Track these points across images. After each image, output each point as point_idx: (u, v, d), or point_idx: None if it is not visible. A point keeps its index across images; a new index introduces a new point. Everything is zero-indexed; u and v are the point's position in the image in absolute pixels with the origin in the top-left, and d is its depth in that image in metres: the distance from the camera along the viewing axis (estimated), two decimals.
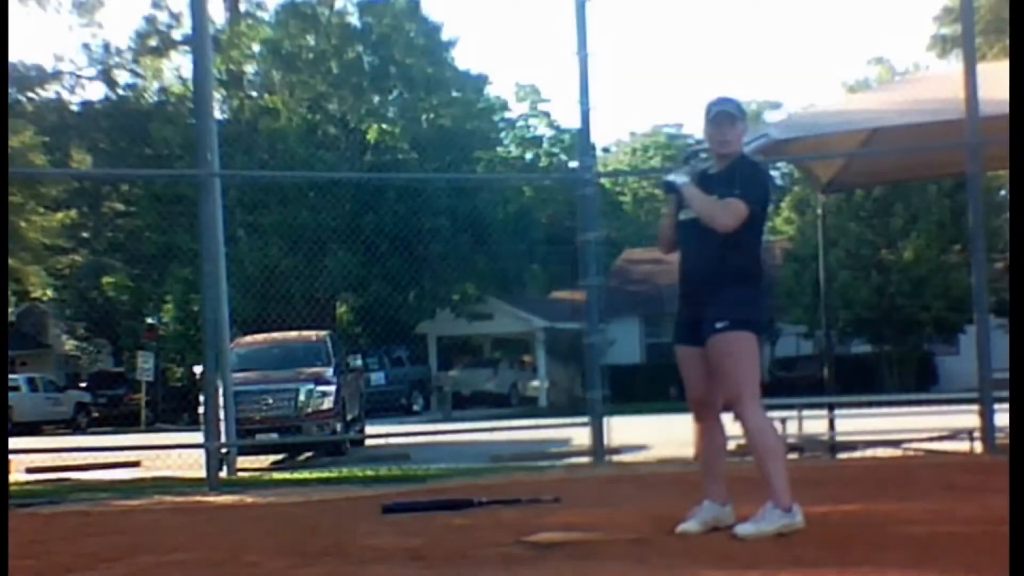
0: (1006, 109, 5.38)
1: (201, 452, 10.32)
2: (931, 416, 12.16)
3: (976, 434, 10.44)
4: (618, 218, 48.01)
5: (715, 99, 5.62)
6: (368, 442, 17.19)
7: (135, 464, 13.24)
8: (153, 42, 41.22)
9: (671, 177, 5.70)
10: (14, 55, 36.98)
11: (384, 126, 36.62)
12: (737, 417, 5.43)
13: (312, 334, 18.48)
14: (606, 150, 54.85)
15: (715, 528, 5.43)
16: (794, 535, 5.22)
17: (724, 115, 5.55)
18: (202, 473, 10.07)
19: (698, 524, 5.43)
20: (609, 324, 13.90)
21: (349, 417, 17.34)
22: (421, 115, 37.49)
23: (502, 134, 44.68)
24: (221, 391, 11.13)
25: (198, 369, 12.72)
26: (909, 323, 31.59)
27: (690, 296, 5.58)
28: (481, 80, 39.71)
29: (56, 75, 41.20)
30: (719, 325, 5.38)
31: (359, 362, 19.91)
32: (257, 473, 12.57)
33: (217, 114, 21.25)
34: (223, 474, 10.60)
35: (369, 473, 11.53)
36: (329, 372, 16.75)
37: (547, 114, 47.49)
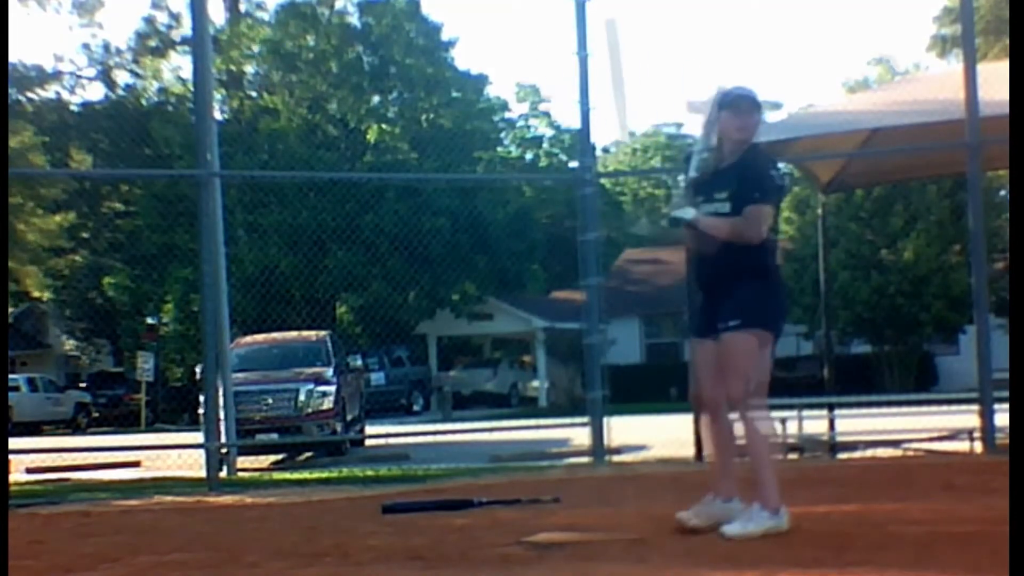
0: (1006, 109, 5.39)
1: (201, 452, 10.32)
2: (931, 416, 12.16)
3: (976, 434, 10.44)
4: (618, 218, 48.00)
5: (732, 88, 5.52)
6: (368, 442, 17.18)
7: (135, 464, 13.25)
8: (153, 42, 41.24)
9: (677, 213, 5.49)
10: (14, 55, 37.01)
11: (384, 126, 36.61)
12: (736, 415, 5.43)
13: (312, 334, 18.48)
14: (606, 150, 54.83)
15: (718, 524, 5.40)
16: (794, 535, 5.22)
17: (745, 99, 5.44)
18: (202, 473, 10.06)
19: (695, 517, 5.42)
20: (609, 324, 13.89)
21: (349, 417, 17.33)
22: (421, 115, 37.48)
23: (502, 134, 44.66)
24: (221, 391, 11.13)
25: (198, 369, 12.72)
26: (909, 323, 31.58)
27: (706, 289, 5.56)
28: (481, 80, 39.70)
29: (56, 75, 41.22)
30: (731, 323, 5.37)
31: (359, 362, 19.91)
32: (257, 473, 12.57)
33: (217, 114, 21.27)
34: (223, 474, 10.60)
35: (369, 473, 11.53)
36: (329, 372, 16.75)
37: (547, 114, 47.50)
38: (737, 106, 5.44)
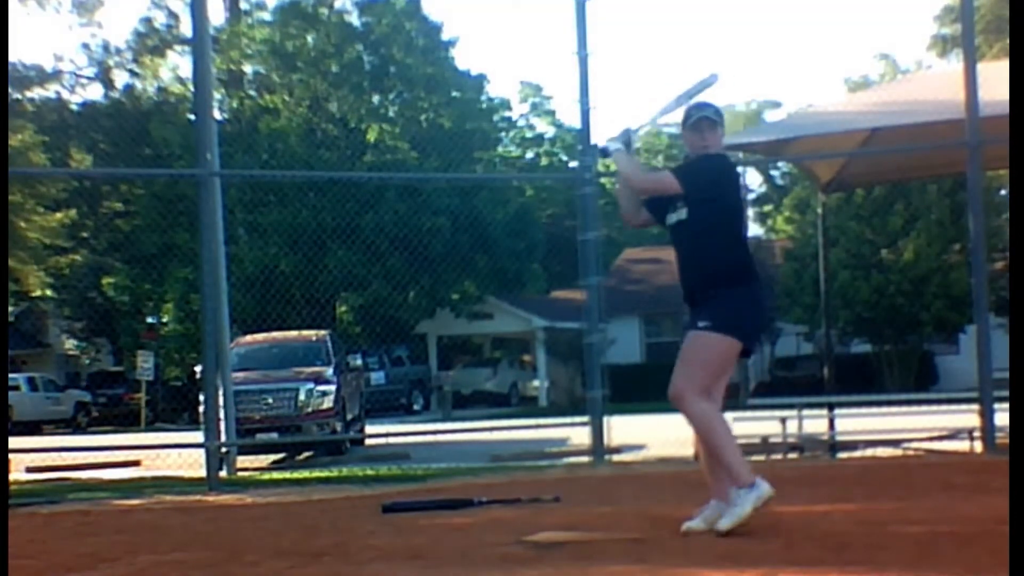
0: (1006, 109, 5.39)
1: (201, 452, 10.32)
2: (931, 416, 12.16)
3: (976, 434, 10.45)
4: (618, 218, 47.96)
5: (694, 105, 5.73)
6: (368, 442, 17.18)
7: (135, 463, 13.26)
8: (152, 42, 41.24)
9: (605, 143, 5.92)
10: (14, 55, 36.97)
11: (384, 126, 36.59)
12: (679, 410, 5.50)
13: (312, 334, 18.47)
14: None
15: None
16: (794, 535, 5.22)
17: (705, 121, 5.66)
18: (202, 473, 10.07)
19: (702, 523, 5.44)
20: (609, 323, 13.90)
21: (349, 417, 17.33)
22: (421, 115, 37.46)
23: (502, 134, 44.64)
24: (221, 391, 11.13)
25: (198, 369, 12.72)
26: (909, 323, 31.57)
27: (688, 300, 5.70)
28: (481, 80, 39.71)
29: (56, 75, 41.20)
30: (701, 324, 5.50)
31: (359, 362, 19.89)
32: (257, 473, 12.57)
33: (217, 114, 21.26)
34: (223, 474, 10.60)
35: (369, 473, 11.53)
36: (329, 372, 16.74)
37: (551, 112, 47.48)
38: (697, 127, 5.67)
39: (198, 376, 12.37)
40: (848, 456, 11.49)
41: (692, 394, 5.43)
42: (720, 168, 5.68)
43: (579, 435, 11.38)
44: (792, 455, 11.51)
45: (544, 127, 48.26)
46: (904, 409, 13.43)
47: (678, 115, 5.85)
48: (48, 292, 37.52)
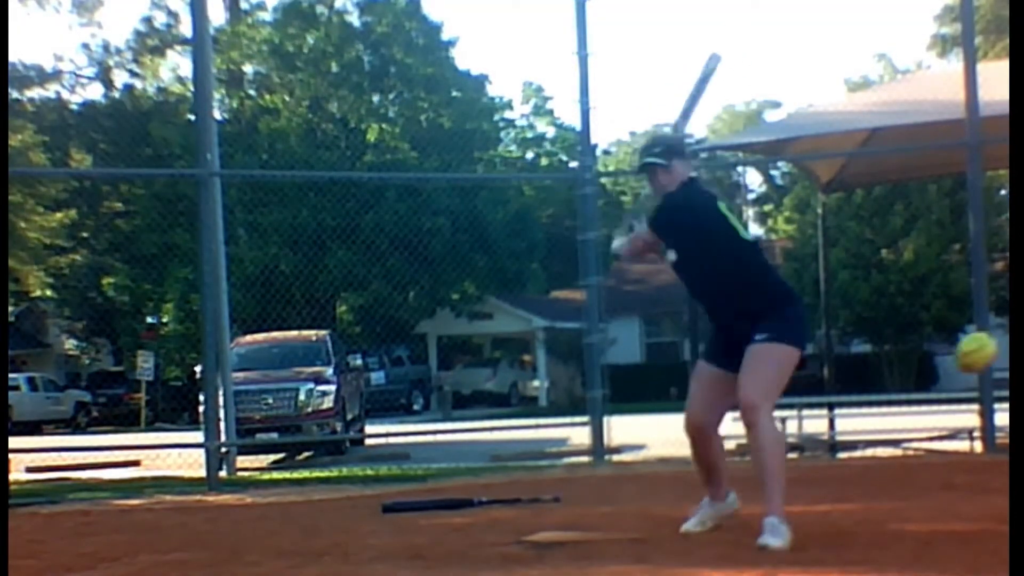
0: (1006, 109, 5.39)
1: (201, 452, 10.33)
2: (931, 416, 12.16)
3: (976, 434, 10.45)
4: (618, 218, 48.00)
5: (641, 150, 5.71)
6: (368, 442, 17.18)
7: (135, 463, 13.26)
8: (153, 42, 41.24)
9: (614, 248, 6.15)
10: (14, 55, 36.98)
11: (384, 126, 36.59)
12: (750, 423, 5.22)
13: (312, 334, 18.47)
14: (607, 152, 54.92)
15: (717, 526, 5.42)
16: (794, 535, 5.21)
17: (650, 167, 5.59)
18: (202, 473, 10.07)
19: (698, 524, 5.43)
20: (609, 323, 13.90)
21: (349, 417, 17.33)
22: (421, 115, 37.46)
23: (502, 134, 44.64)
24: (221, 391, 11.13)
25: (198, 369, 12.71)
26: (909, 323, 31.57)
27: (727, 329, 5.50)
28: (481, 80, 39.69)
29: (56, 75, 41.20)
30: (759, 337, 5.29)
31: (359, 362, 19.89)
32: (257, 473, 12.57)
33: (217, 114, 21.27)
34: (223, 474, 10.61)
35: (369, 473, 11.53)
36: (329, 372, 16.74)
37: (551, 111, 47.51)
38: (648, 176, 5.62)
39: (198, 376, 12.38)
40: (848, 456, 11.49)
41: (768, 409, 5.23)
42: (676, 206, 5.51)
43: (579, 435, 11.38)
44: (792, 455, 11.49)
45: (544, 127, 48.27)
46: (904, 409, 13.44)
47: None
48: (48, 292, 37.54)
